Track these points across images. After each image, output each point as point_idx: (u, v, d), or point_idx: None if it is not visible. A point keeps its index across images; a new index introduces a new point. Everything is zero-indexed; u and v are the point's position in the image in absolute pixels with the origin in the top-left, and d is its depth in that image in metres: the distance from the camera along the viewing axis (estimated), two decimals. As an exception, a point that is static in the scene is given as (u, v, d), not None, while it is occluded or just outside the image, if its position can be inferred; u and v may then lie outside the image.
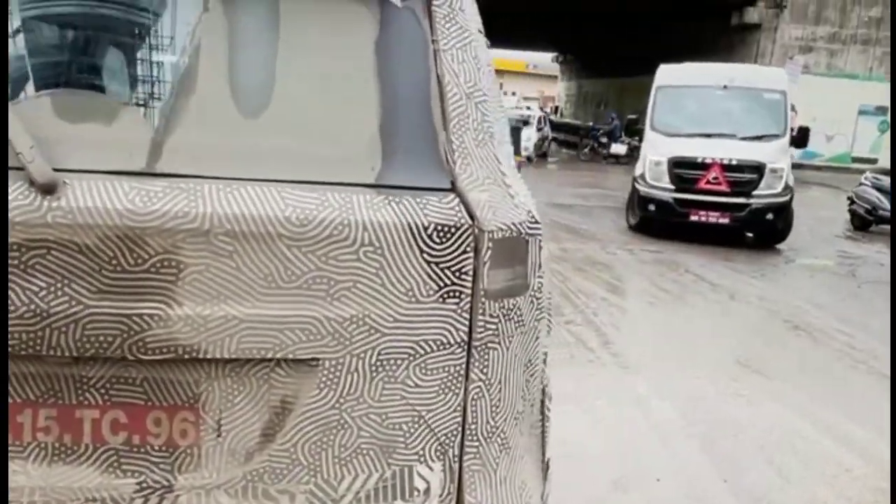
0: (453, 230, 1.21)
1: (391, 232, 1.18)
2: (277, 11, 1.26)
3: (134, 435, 1.19)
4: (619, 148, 20.45)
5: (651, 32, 24.76)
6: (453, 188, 1.24)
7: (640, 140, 10.07)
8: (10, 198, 1.06)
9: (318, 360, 1.19)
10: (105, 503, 1.18)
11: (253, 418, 1.21)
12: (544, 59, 51.34)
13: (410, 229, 1.18)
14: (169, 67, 1.24)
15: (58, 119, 1.16)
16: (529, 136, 20.53)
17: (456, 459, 1.30)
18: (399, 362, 1.22)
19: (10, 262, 1.07)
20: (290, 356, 1.18)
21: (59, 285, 1.09)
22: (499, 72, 65.39)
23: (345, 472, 1.24)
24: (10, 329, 1.09)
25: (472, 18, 1.40)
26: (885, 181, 10.35)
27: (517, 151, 17.24)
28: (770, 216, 8.72)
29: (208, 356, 1.15)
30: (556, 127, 28.60)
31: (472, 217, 1.22)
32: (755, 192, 8.69)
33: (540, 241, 1.34)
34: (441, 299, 1.22)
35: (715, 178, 8.75)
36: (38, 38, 1.25)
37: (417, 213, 1.19)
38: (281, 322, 1.16)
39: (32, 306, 1.09)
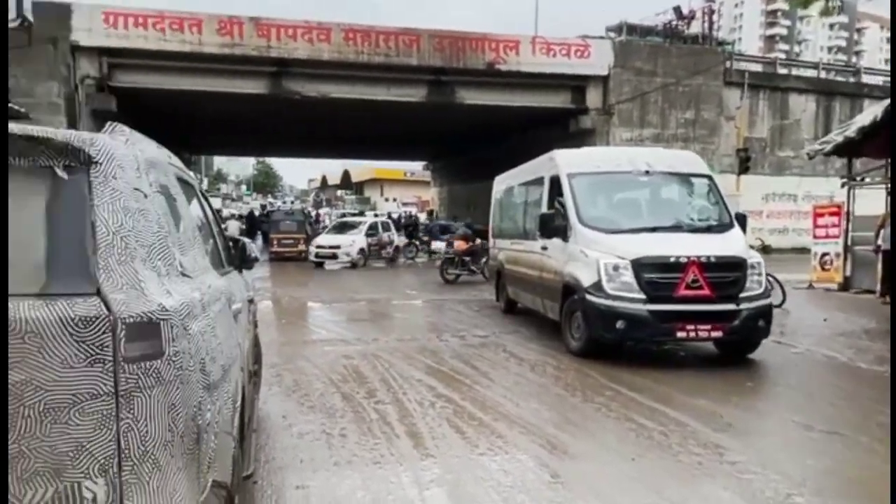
0: (95, 319, 1.87)
1: (48, 323, 1.82)
2: None
3: None
4: (439, 245, 22.76)
5: (506, 138, 27.12)
6: (98, 293, 1.91)
7: (564, 239, 8.17)
8: None
9: None
10: None
11: None
12: (419, 167, 54.18)
13: (62, 320, 1.84)
14: None
15: None
16: (353, 242, 21.30)
17: (116, 476, 1.90)
18: (62, 409, 1.84)
19: None
20: None
21: None
22: (380, 180, 67.92)
23: (26, 488, 1.82)
24: None
25: (127, 183, 2.13)
26: None
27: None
28: (761, 323, 7.27)
29: None
30: (445, 229, 29.97)
31: (109, 310, 1.89)
32: (742, 296, 7.17)
33: (171, 323, 2.02)
34: (90, 365, 1.86)
35: (695, 282, 7.02)
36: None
37: (68, 310, 1.85)
38: None
39: None
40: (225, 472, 2.34)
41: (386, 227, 24.00)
